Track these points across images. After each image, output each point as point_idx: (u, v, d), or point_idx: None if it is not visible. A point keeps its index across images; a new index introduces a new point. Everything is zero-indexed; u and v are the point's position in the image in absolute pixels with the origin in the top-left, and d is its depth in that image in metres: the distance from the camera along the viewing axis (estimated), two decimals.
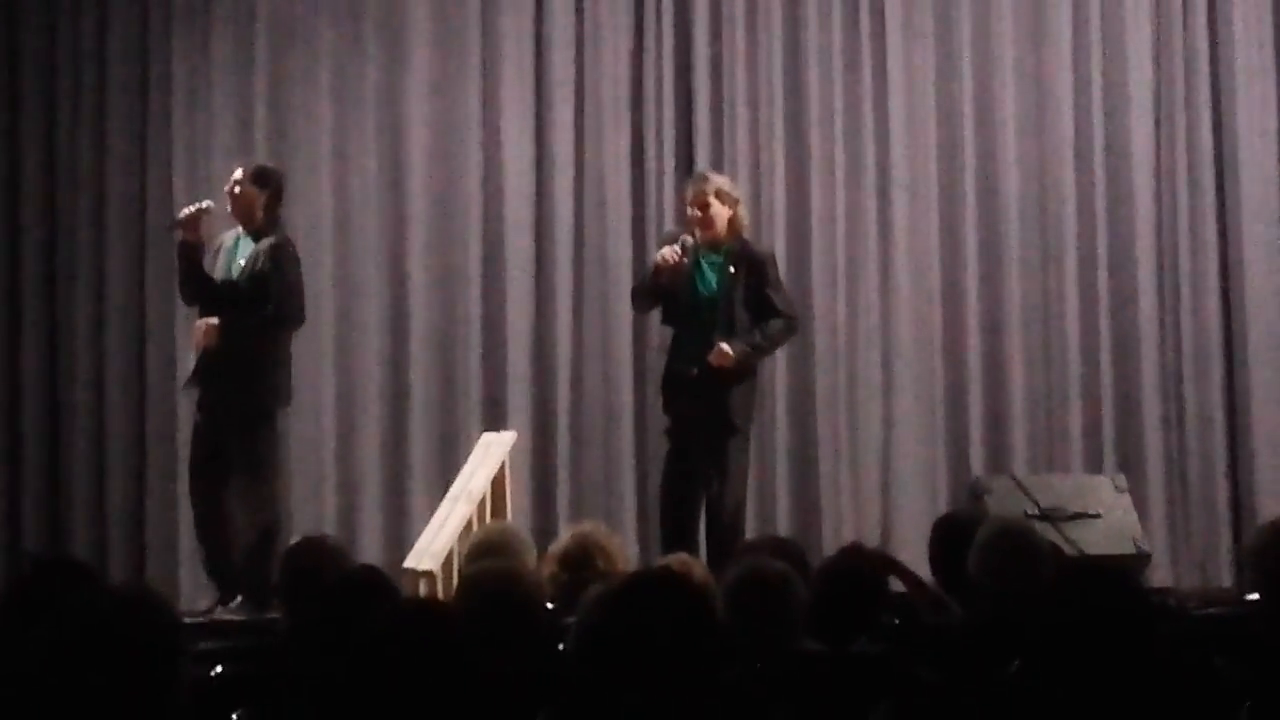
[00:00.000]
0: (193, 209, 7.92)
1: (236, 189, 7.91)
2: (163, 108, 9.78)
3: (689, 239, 7.75)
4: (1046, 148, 9.60)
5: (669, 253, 7.71)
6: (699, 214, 7.76)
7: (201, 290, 7.93)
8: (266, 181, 8.01)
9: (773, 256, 8.08)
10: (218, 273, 7.91)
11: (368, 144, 9.76)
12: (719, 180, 7.99)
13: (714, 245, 7.76)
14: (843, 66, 9.66)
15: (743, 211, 7.86)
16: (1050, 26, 9.63)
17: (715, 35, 9.71)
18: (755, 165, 9.64)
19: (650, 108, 9.71)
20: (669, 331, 7.87)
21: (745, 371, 7.73)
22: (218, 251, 7.95)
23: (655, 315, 8.11)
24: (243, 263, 7.86)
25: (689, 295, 7.73)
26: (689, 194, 7.91)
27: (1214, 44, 9.57)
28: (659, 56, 9.73)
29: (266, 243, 7.92)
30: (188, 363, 8.13)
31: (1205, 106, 9.54)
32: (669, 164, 9.63)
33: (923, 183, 9.60)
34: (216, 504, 7.91)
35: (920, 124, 9.61)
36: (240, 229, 7.95)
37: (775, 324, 7.80)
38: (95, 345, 9.69)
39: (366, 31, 9.80)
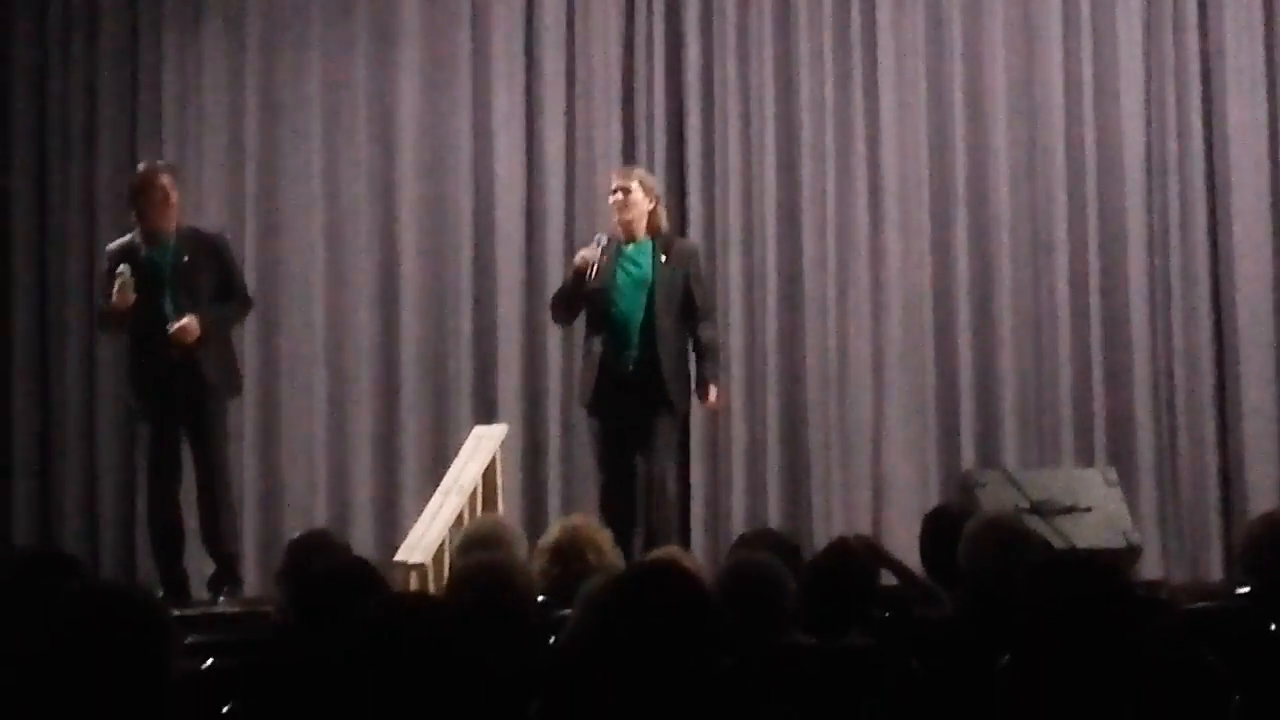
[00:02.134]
0: (124, 278, 7.82)
1: (170, 195, 7.93)
2: (153, 112, 9.78)
3: (604, 237, 7.89)
4: (1037, 144, 9.58)
5: (588, 252, 7.85)
6: (620, 198, 7.89)
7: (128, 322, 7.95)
8: (178, 176, 8.18)
9: (698, 251, 8.29)
10: (144, 278, 7.85)
11: (359, 143, 9.75)
12: (643, 173, 8.22)
13: (634, 238, 7.90)
14: (834, 62, 9.64)
15: (662, 210, 8.03)
16: (1041, 26, 9.60)
17: (706, 30, 9.70)
18: (746, 162, 9.64)
19: (641, 104, 9.71)
20: (598, 338, 7.92)
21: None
22: (119, 262, 7.88)
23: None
24: (187, 259, 7.91)
25: (615, 293, 7.85)
26: (612, 182, 8.05)
27: (1204, 38, 9.55)
28: (649, 53, 9.72)
29: (213, 239, 8.13)
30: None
31: (1196, 100, 9.52)
32: (660, 160, 9.62)
33: (914, 178, 9.59)
34: (177, 503, 8.04)
35: (911, 120, 9.61)
36: (136, 233, 7.96)
37: (705, 331, 7.96)
38: (85, 347, 9.68)
39: (357, 32, 9.80)
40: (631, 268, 7.88)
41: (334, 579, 4.38)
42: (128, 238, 8.03)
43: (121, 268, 7.82)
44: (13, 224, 9.78)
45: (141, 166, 8.30)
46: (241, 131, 9.75)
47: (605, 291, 7.86)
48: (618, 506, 7.74)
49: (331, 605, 4.15)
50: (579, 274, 7.86)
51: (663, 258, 7.87)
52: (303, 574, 4.71)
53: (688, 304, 7.89)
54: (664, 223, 8.07)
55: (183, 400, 7.92)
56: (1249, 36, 9.51)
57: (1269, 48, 9.53)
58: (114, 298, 7.83)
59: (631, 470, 7.89)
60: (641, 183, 8.00)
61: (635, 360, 7.82)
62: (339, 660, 3.10)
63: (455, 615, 3.15)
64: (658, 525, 7.75)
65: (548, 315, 9.48)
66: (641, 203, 7.92)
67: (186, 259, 7.94)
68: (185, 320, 7.82)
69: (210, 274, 7.99)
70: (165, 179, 8.00)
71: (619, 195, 7.91)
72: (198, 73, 9.80)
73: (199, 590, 8.15)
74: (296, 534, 5.44)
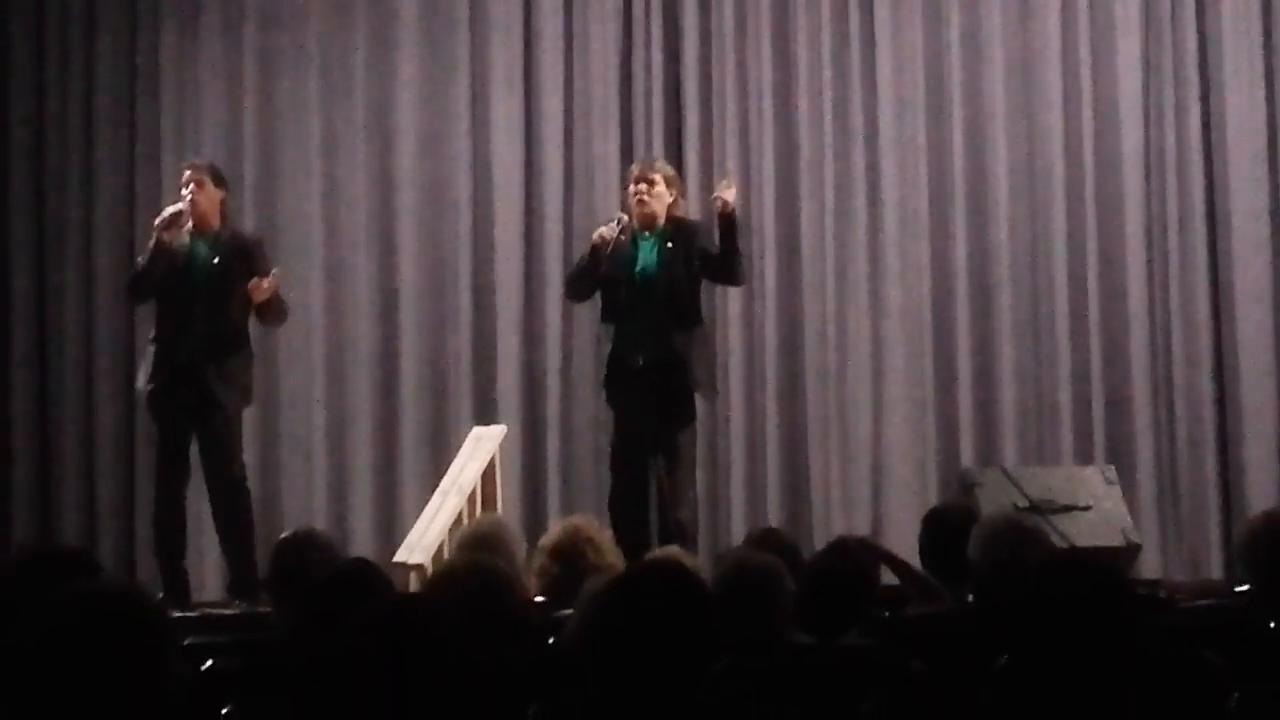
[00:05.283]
0: (177, 208, 7.89)
1: (199, 190, 7.90)
2: (151, 107, 9.79)
3: (624, 217, 7.82)
4: (1036, 144, 9.59)
5: (606, 230, 7.77)
6: (644, 188, 7.79)
7: (155, 287, 7.93)
8: (224, 181, 8.09)
9: (705, 225, 8.03)
10: (181, 269, 7.89)
11: (357, 142, 9.77)
12: (665, 165, 8.14)
13: (649, 228, 7.80)
14: (832, 72, 9.67)
15: (684, 203, 8.00)
16: (1039, 28, 9.61)
17: (704, 41, 9.72)
18: (745, 166, 9.64)
19: (639, 107, 9.72)
20: (609, 326, 7.87)
21: (694, 348, 7.80)
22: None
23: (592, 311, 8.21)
24: (216, 261, 7.87)
25: (629, 281, 7.78)
26: (634, 173, 7.97)
27: (1202, 43, 9.55)
28: (648, 56, 9.73)
29: (248, 241, 8.09)
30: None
31: (1194, 103, 9.52)
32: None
33: (912, 178, 9.60)
34: (182, 506, 8.02)
35: (910, 123, 9.62)
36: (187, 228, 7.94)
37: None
38: (84, 342, 9.70)
39: (355, 31, 9.82)
40: (639, 263, 7.81)
41: (338, 579, 4.38)
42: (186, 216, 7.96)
43: (184, 206, 7.83)
44: (10, 220, 9.80)
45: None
46: (239, 141, 9.75)
47: (616, 281, 7.80)
48: (625, 507, 7.70)
49: (334, 605, 4.14)
50: (595, 250, 7.79)
51: (669, 245, 7.77)
52: (299, 576, 4.70)
53: (706, 266, 7.79)
54: (685, 215, 7.99)
55: (194, 409, 7.90)
56: (1247, 38, 9.51)
57: (1266, 49, 9.52)
58: (162, 218, 7.82)
59: (643, 471, 7.82)
60: (664, 175, 7.92)
61: (645, 355, 7.76)
62: (337, 662, 3.10)
63: (450, 616, 3.15)
64: (681, 528, 7.64)
65: (547, 316, 9.52)
66: (663, 194, 7.84)
67: (217, 260, 7.91)
68: (270, 279, 7.79)
69: (243, 279, 7.89)
70: (193, 174, 7.95)
71: (641, 186, 7.83)
72: (195, 84, 9.82)
73: (199, 592, 8.13)
74: (284, 534, 5.42)
